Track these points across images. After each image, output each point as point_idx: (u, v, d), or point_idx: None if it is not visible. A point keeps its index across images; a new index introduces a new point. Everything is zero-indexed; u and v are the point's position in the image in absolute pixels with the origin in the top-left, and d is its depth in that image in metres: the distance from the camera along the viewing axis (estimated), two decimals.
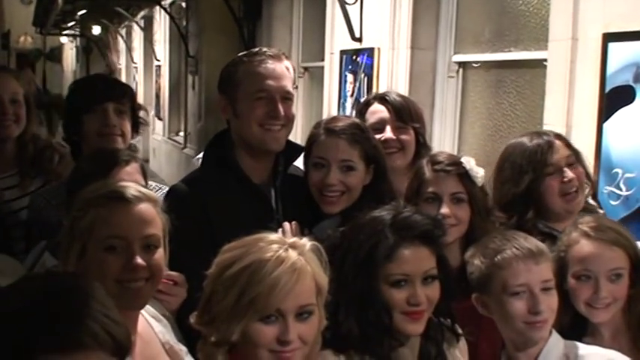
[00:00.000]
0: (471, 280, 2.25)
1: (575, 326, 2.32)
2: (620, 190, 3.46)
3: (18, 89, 3.22)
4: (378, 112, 3.05)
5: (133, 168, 2.62)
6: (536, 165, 2.65)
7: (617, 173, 3.47)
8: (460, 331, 2.16)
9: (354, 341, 1.97)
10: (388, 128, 3.00)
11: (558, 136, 2.77)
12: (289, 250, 1.77)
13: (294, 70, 3.49)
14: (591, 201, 2.89)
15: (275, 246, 1.78)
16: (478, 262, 2.22)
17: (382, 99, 3.09)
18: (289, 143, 2.77)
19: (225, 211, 2.55)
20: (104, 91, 3.14)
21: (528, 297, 2.12)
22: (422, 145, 3.06)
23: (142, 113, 3.27)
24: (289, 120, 2.69)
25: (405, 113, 3.04)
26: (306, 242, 1.82)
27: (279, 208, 2.68)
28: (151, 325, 2.11)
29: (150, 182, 3.20)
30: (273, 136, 2.65)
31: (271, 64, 2.66)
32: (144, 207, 2.00)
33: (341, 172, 2.57)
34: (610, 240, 2.28)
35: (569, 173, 2.66)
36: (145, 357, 2.00)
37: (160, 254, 2.01)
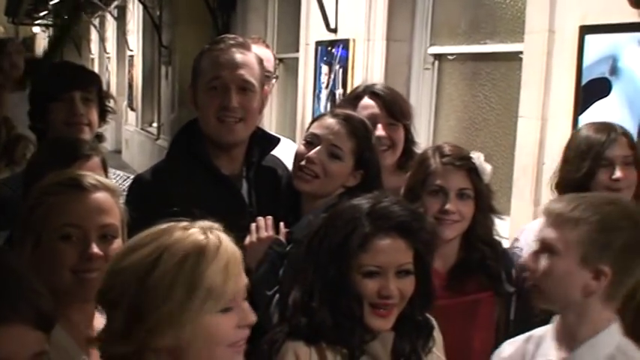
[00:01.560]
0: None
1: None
2: None
3: None
4: (369, 106, 2.92)
5: (94, 163, 2.53)
6: (595, 155, 2.66)
7: None
8: (434, 324, 2.09)
9: (326, 331, 1.91)
10: (379, 125, 2.88)
11: (625, 134, 2.75)
12: (208, 233, 1.60)
13: (274, 58, 3.42)
14: None
15: (195, 231, 1.60)
16: None
17: (373, 93, 2.97)
18: (264, 134, 2.68)
19: (190, 202, 2.42)
20: (71, 79, 3.05)
21: None
22: (410, 142, 2.98)
23: (110, 102, 3.19)
24: (248, 112, 2.53)
25: (397, 110, 2.94)
26: (213, 224, 1.63)
27: (252, 201, 2.57)
28: None
29: (118, 172, 3.13)
30: (228, 129, 2.50)
31: (231, 53, 2.52)
32: (101, 196, 1.92)
33: (327, 155, 2.46)
34: None
35: (618, 172, 2.65)
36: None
37: (118, 245, 1.92)
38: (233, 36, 2.66)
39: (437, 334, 2.09)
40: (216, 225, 1.65)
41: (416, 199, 2.42)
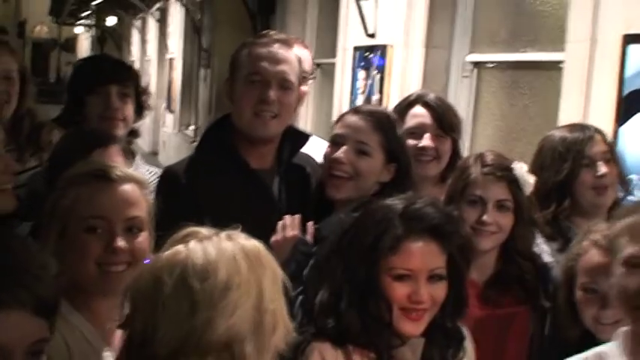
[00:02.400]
0: None
1: (584, 343, 2.10)
2: (635, 197, 3.37)
3: (11, 64, 3.07)
4: (419, 115, 2.87)
5: (113, 150, 2.52)
6: (575, 155, 2.61)
7: (631, 179, 3.37)
8: (466, 334, 2.05)
9: (354, 334, 1.87)
10: (427, 135, 2.83)
11: (598, 131, 2.73)
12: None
13: (311, 59, 3.40)
14: None
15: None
16: None
17: (425, 103, 2.91)
18: (295, 131, 2.65)
19: (217, 195, 2.42)
20: (108, 73, 3.06)
21: None
22: (457, 156, 2.90)
23: (148, 98, 3.19)
24: (284, 109, 2.51)
25: (446, 122, 2.88)
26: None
27: (282, 198, 2.55)
28: None
29: (153, 169, 3.13)
30: (262, 123, 2.48)
31: (273, 48, 2.51)
32: (128, 188, 1.90)
33: (354, 154, 2.42)
34: None
35: (603, 168, 2.62)
36: None
37: (144, 238, 1.90)
38: (275, 32, 2.67)
39: (468, 345, 2.04)
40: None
41: (455, 208, 2.35)
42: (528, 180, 2.47)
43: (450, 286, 1.91)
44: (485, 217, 2.39)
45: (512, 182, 2.44)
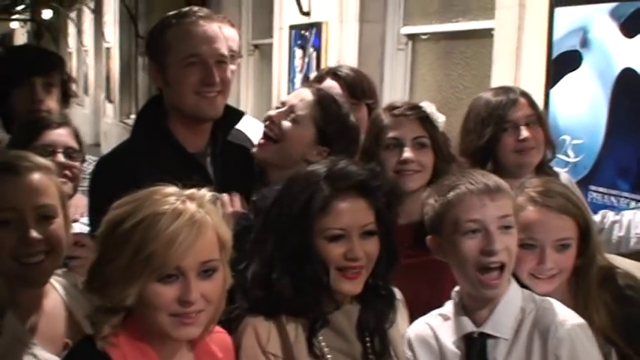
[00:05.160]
0: (426, 222, 2.07)
1: None
2: (568, 156, 3.42)
3: None
4: (330, 87, 2.88)
5: (64, 131, 2.54)
6: (497, 119, 2.62)
7: (564, 140, 3.43)
8: (399, 296, 2.06)
9: (286, 304, 1.87)
10: None
11: (524, 95, 2.72)
12: (187, 202, 1.64)
13: (239, 39, 3.36)
14: (557, 170, 2.86)
15: (172, 198, 1.64)
16: (432, 201, 2.04)
17: (334, 74, 2.98)
18: (228, 108, 2.61)
19: (157, 180, 2.38)
20: (32, 65, 3.00)
21: (483, 235, 1.93)
22: None
23: (72, 85, 3.14)
24: (226, 85, 2.48)
25: (358, 89, 2.93)
26: (206, 193, 1.69)
27: (219, 177, 2.51)
28: (65, 301, 1.96)
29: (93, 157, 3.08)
30: (209, 104, 2.45)
31: (202, 26, 2.46)
32: (35, 177, 1.86)
33: (286, 116, 2.45)
34: (558, 207, 2.12)
35: (524, 132, 2.62)
36: (48, 334, 1.86)
37: (58, 224, 1.87)
38: (197, 8, 2.58)
39: (400, 305, 2.06)
40: (208, 197, 1.66)
41: (372, 159, 2.35)
42: (439, 116, 2.47)
43: (381, 242, 1.92)
44: (405, 155, 2.38)
45: (424, 119, 2.43)
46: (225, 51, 2.49)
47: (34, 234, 1.81)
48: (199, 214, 1.62)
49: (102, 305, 1.63)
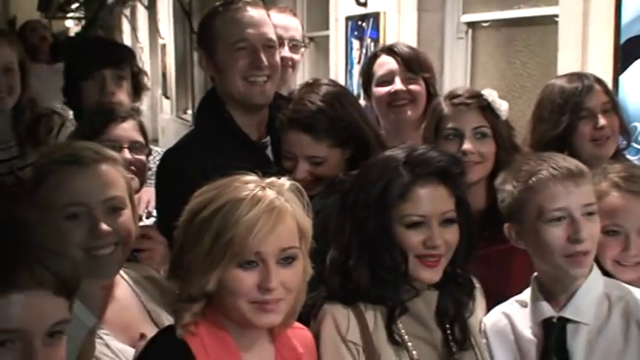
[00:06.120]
0: (503, 209, 2.05)
1: None
2: (639, 144, 3.35)
3: (12, 56, 3.02)
4: (385, 63, 2.92)
5: (129, 124, 2.54)
6: (573, 107, 2.55)
7: (635, 127, 3.36)
8: (477, 284, 2.04)
9: (363, 292, 1.86)
10: (397, 79, 2.88)
11: (599, 81, 2.66)
12: (267, 189, 1.64)
13: (301, 28, 3.37)
14: (630, 157, 2.81)
15: (251, 185, 1.65)
16: (510, 187, 2.00)
17: (390, 50, 2.97)
18: (282, 98, 2.62)
19: (225, 171, 2.40)
20: (102, 57, 3.03)
21: (568, 223, 1.91)
22: (433, 97, 2.91)
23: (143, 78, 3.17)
24: (274, 70, 2.51)
25: (415, 64, 2.91)
26: (285, 181, 1.69)
27: (279, 167, 2.53)
28: (136, 291, 1.98)
29: (156, 148, 3.11)
30: (258, 89, 2.48)
31: (249, 12, 2.49)
32: (103, 168, 1.87)
33: (310, 166, 2.41)
34: None
35: (602, 120, 2.57)
36: (118, 323, 1.88)
37: (127, 216, 1.88)
38: None
39: (478, 293, 2.04)
40: (288, 185, 1.67)
41: None
42: (502, 104, 2.42)
43: (461, 230, 1.90)
44: (465, 147, 2.34)
45: (485, 108, 2.39)
46: (272, 36, 2.52)
47: (104, 227, 1.82)
48: (279, 201, 1.63)
49: (183, 293, 1.65)
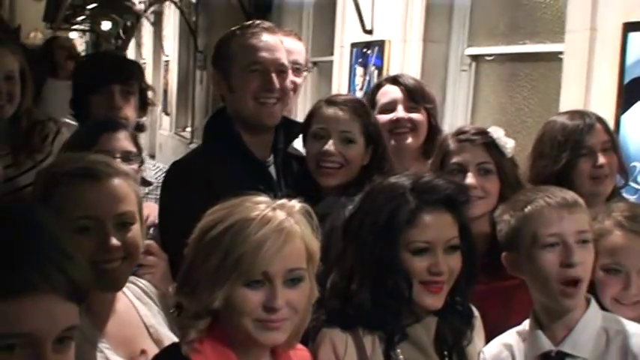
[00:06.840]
0: (500, 238, 2.08)
1: None
2: (638, 184, 3.37)
3: (13, 65, 3.03)
4: (389, 92, 2.98)
5: (122, 135, 2.57)
6: (574, 144, 2.58)
7: (635, 167, 3.38)
8: (476, 313, 2.05)
9: (363, 317, 1.87)
10: (400, 107, 2.93)
11: (600, 120, 2.69)
12: (277, 210, 1.66)
13: (305, 52, 3.42)
14: (628, 196, 2.82)
15: (262, 206, 1.67)
16: (507, 217, 2.05)
17: (394, 80, 3.04)
18: (288, 120, 2.72)
19: (229, 186, 2.43)
20: (111, 72, 3.05)
21: (562, 249, 1.94)
22: (434, 127, 2.97)
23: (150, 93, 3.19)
24: (284, 93, 2.62)
25: (418, 94, 2.97)
26: (295, 203, 1.71)
27: (281, 186, 2.62)
28: (136, 307, 1.98)
29: (159, 164, 3.13)
30: (268, 111, 2.59)
31: (265, 36, 2.61)
32: (115, 183, 1.86)
33: (341, 143, 2.51)
34: None
35: (601, 158, 2.59)
36: (119, 338, 1.88)
37: (136, 231, 1.88)
38: (260, 21, 2.73)
39: (477, 322, 2.05)
40: (298, 207, 1.69)
41: None
42: (507, 142, 2.45)
43: (463, 257, 1.92)
44: (468, 181, 2.37)
45: (490, 145, 2.44)
46: (285, 61, 2.64)
47: (115, 241, 1.81)
48: (288, 222, 1.65)
49: (189, 310, 1.65)
